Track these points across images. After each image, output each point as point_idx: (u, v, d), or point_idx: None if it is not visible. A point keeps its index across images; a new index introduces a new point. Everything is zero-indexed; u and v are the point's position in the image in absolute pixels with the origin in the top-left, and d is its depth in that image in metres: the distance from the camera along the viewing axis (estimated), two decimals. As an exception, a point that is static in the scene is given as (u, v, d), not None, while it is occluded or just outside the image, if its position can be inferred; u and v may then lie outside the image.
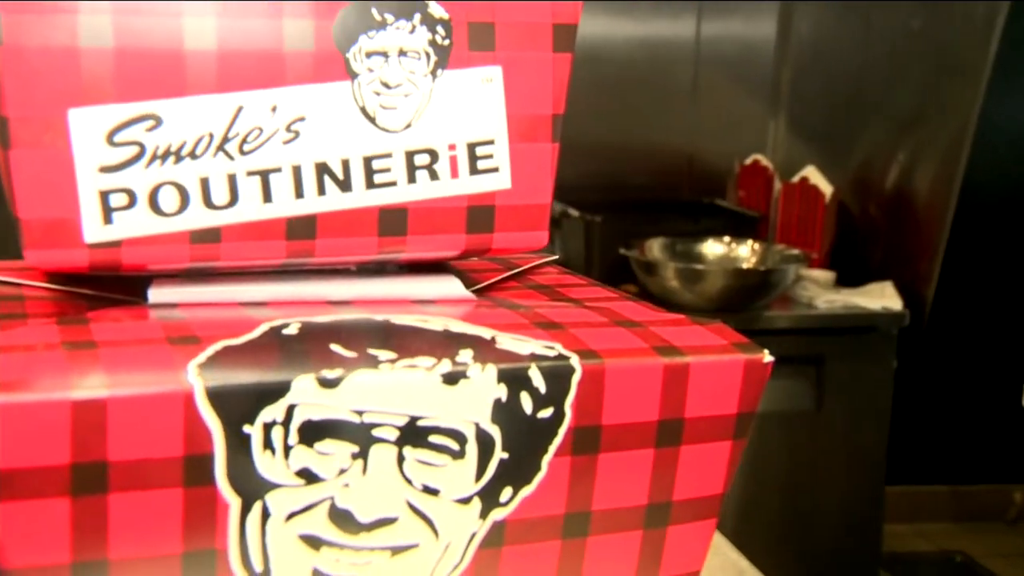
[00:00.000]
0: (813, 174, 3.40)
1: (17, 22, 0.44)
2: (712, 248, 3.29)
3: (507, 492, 0.47)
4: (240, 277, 0.51)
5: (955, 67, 3.15)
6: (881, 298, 2.67)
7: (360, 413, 0.44)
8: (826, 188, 3.33)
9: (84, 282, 0.53)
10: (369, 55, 0.48)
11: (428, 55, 0.49)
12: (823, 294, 2.64)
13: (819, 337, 2.56)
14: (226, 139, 0.46)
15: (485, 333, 0.48)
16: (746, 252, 3.28)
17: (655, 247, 2.72)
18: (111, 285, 0.53)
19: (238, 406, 0.42)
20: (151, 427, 0.41)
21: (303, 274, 0.53)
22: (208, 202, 0.47)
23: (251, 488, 0.43)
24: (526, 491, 0.47)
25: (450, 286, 0.54)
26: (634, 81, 3.03)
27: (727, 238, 3.31)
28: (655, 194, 3.17)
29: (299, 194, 0.48)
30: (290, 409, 0.43)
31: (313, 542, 0.45)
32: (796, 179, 3.44)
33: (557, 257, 0.64)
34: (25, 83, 0.44)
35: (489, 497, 0.46)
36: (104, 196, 0.46)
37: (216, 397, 0.42)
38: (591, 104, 2.90)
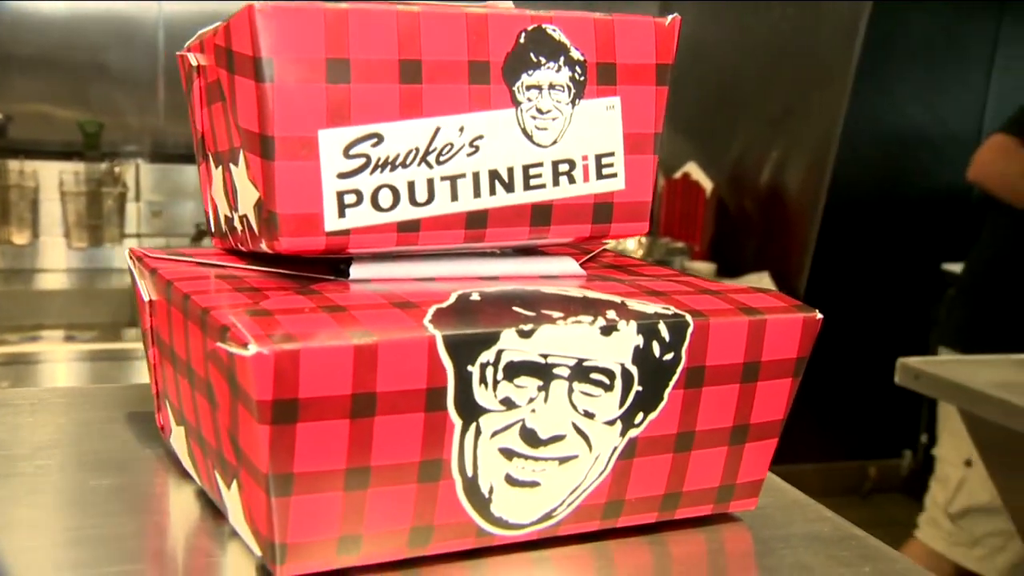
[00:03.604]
0: (694, 170, 3.62)
1: (284, 65, 0.58)
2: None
3: (640, 416, 0.62)
4: (411, 259, 0.66)
5: (822, 69, 3.41)
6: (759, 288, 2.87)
7: (545, 356, 0.59)
8: (706, 184, 3.55)
9: (276, 263, 0.67)
10: (528, 88, 0.63)
11: (569, 88, 0.64)
12: (707, 285, 2.84)
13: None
14: (427, 152, 0.61)
15: (615, 299, 0.63)
16: (633, 245, 3.49)
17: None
18: (303, 266, 0.67)
19: (465, 351, 0.57)
20: (406, 366, 0.56)
21: (453, 256, 0.67)
22: (413, 200, 0.62)
23: (470, 412, 0.58)
24: (652, 415, 0.63)
25: (567, 265, 0.69)
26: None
27: (613, 232, 3.49)
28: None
29: (476, 194, 0.63)
30: (499, 353, 0.58)
31: (508, 453, 0.60)
32: (678, 175, 3.67)
33: (613, 244, 0.80)
34: (287, 111, 0.58)
35: (627, 420, 0.62)
36: (340, 196, 0.60)
37: (451, 344, 0.57)
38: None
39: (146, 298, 0.69)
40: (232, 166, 0.64)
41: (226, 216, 0.68)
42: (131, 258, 0.71)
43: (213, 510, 0.65)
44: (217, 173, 0.68)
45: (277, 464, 0.54)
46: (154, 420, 0.74)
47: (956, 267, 3.23)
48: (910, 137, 3.84)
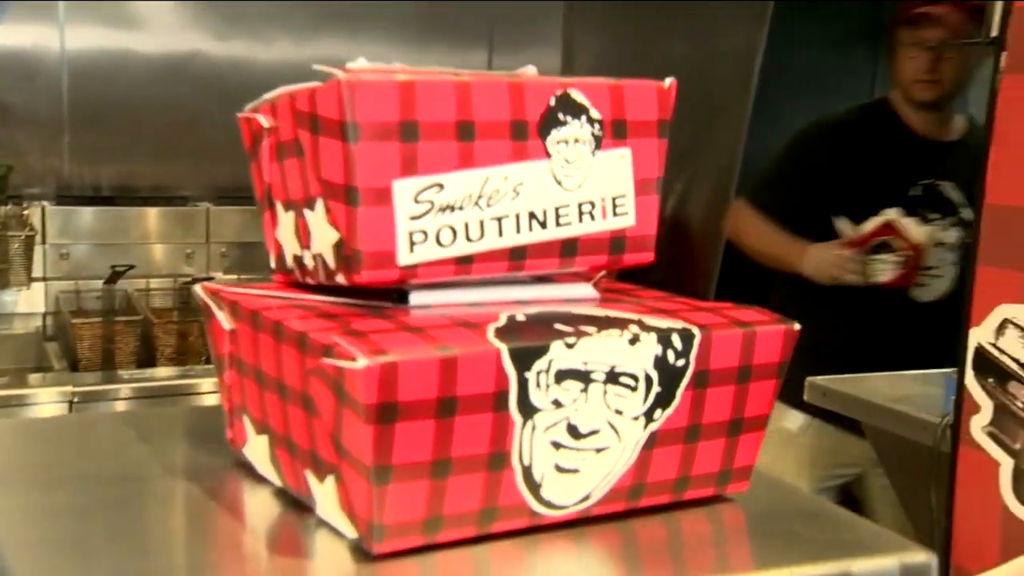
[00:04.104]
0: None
1: (366, 127, 0.70)
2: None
3: (659, 412, 0.75)
4: (457, 287, 0.78)
5: (721, 103, 3.57)
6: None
7: (585, 363, 0.71)
8: (614, 216, 3.69)
9: (335, 294, 0.78)
10: (558, 142, 0.76)
11: (590, 142, 0.77)
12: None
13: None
14: (479, 197, 0.73)
15: (633, 316, 0.76)
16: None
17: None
18: (356, 296, 0.78)
19: (524, 360, 0.69)
20: (479, 374, 0.68)
21: (489, 284, 0.79)
22: (468, 238, 0.74)
23: (528, 412, 0.70)
24: (668, 411, 0.75)
25: (584, 290, 0.82)
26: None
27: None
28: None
29: (518, 231, 0.75)
30: (550, 362, 0.70)
31: (556, 446, 0.72)
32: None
33: (606, 273, 0.93)
34: (368, 165, 0.70)
35: (649, 416, 0.75)
36: (410, 235, 0.72)
37: (514, 355, 0.69)
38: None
39: (227, 327, 0.79)
40: (307, 211, 0.75)
41: (295, 255, 0.79)
42: (204, 292, 0.81)
43: (294, 506, 0.76)
44: (287, 218, 0.79)
45: (379, 457, 0.66)
46: (215, 437, 0.84)
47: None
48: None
